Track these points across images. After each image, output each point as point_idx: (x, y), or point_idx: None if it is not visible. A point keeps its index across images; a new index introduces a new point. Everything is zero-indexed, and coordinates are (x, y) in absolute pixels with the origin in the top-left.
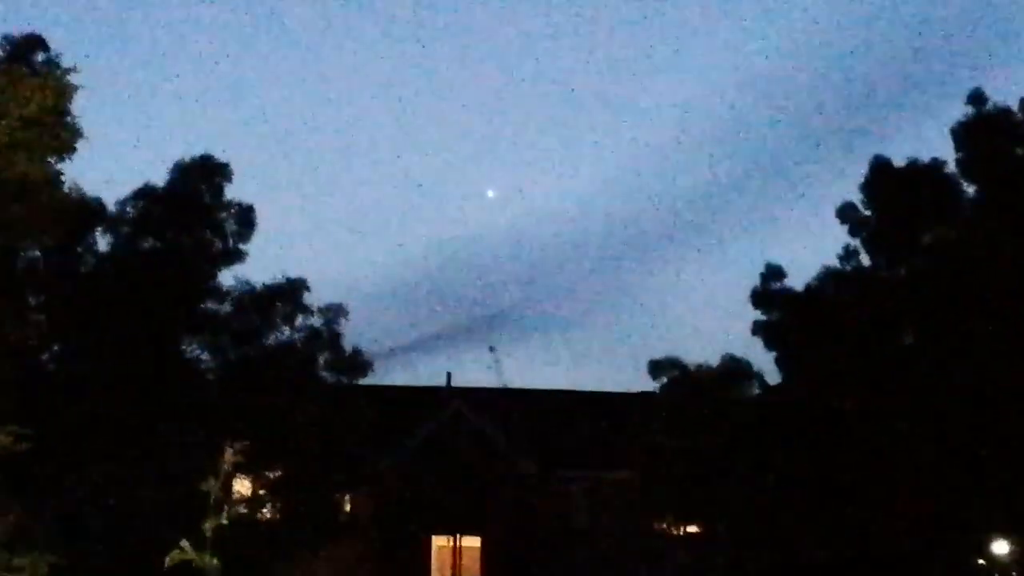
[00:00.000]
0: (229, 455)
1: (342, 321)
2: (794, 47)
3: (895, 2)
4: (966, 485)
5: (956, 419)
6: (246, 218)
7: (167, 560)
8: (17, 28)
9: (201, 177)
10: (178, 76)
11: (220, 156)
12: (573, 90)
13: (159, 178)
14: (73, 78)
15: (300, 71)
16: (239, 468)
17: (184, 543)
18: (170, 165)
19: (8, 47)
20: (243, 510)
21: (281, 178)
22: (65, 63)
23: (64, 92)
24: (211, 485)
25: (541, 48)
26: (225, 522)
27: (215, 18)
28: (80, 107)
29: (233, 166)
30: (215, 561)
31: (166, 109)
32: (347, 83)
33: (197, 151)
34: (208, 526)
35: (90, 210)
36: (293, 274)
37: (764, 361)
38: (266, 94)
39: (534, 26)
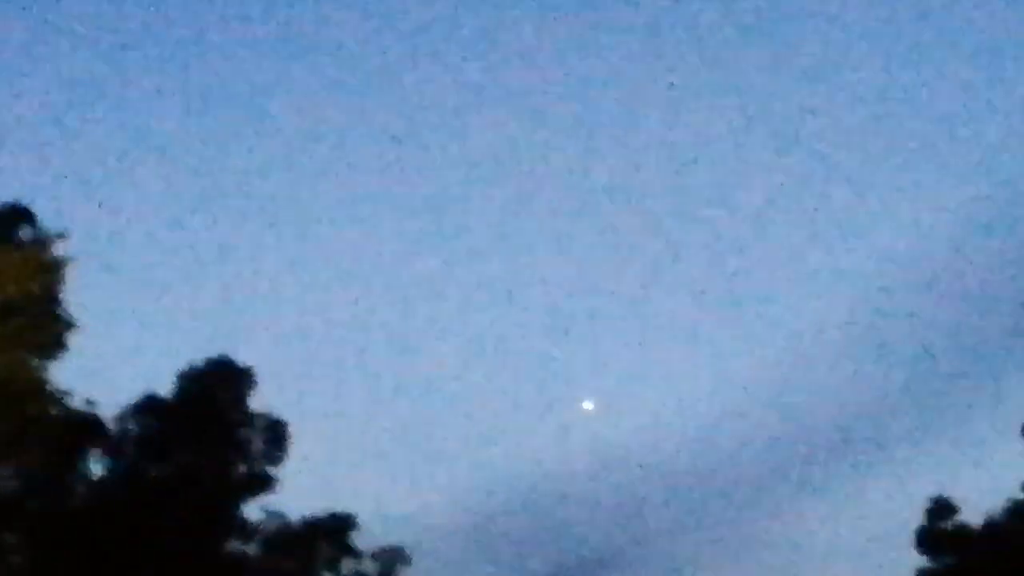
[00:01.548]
0: None
1: (402, 568)
2: (971, 214)
3: None
4: None
5: None
6: (277, 435)
7: None
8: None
9: (218, 385)
10: (182, 262)
11: (240, 359)
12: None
13: (164, 386)
14: (63, 250)
15: (335, 261)
16: None
17: None
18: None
19: None
20: None
21: (318, 387)
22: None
23: (52, 268)
24: None
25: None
26: None
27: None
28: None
29: (256, 369)
30: None
31: (170, 302)
32: (392, 275)
33: (210, 353)
34: None
35: (83, 426)
36: (338, 508)
37: None
38: (291, 287)
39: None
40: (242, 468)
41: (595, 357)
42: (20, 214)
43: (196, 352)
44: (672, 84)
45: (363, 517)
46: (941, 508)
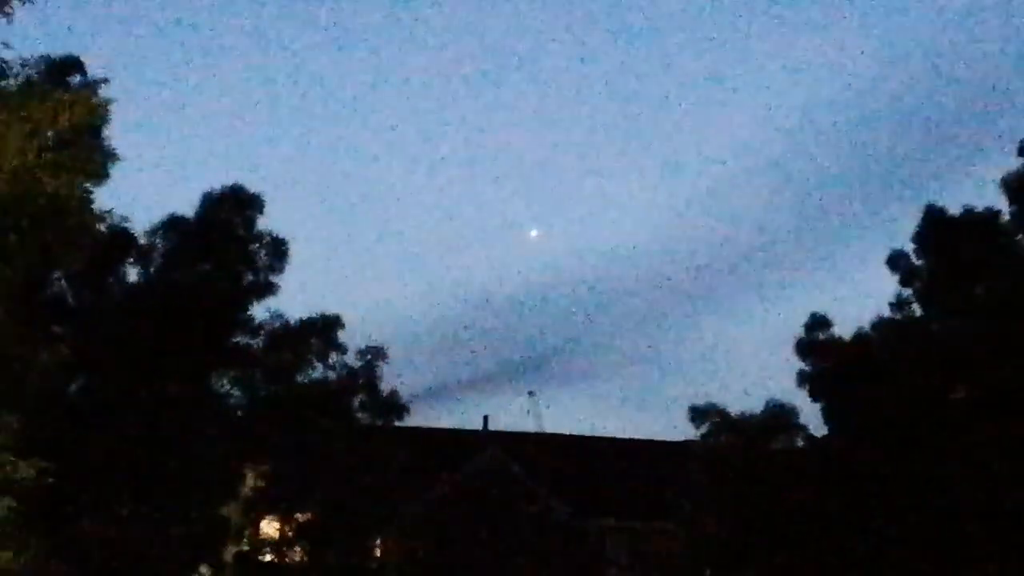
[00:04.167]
0: (249, 479)
1: (381, 364)
2: (846, 97)
3: (949, 56)
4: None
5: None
6: (279, 251)
7: None
8: (55, 51)
9: (232, 208)
10: (205, 98)
11: (251, 185)
12: (626, 134)
13: (186, 205)
14: (107, 92)
15: (337, 99)
16: (264, 505)
17: (203, 569)
18: (198, 193)
19: (44, 69)
20: (270, 555)
21: (315, 210)
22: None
23: (96, 110)
24: (231, 509)
25: (594, 89)
26: (247, 547)
27: (246, 41)
28: (112, 129)
29: (264, 195)
30: None
31: (192, 132)
32: (387, 113)
33: (225, 178)
34: (229, 552)
35: (120, 239)
36: (328, 310)
37: (809, 413)
38: (298, 121)
39: (591, 70)
40: (250, 277)
41: (541, 191)
42: (71, 63)
43: (214, 177)
44: None
45: (349, 318)
46: (818, 322)
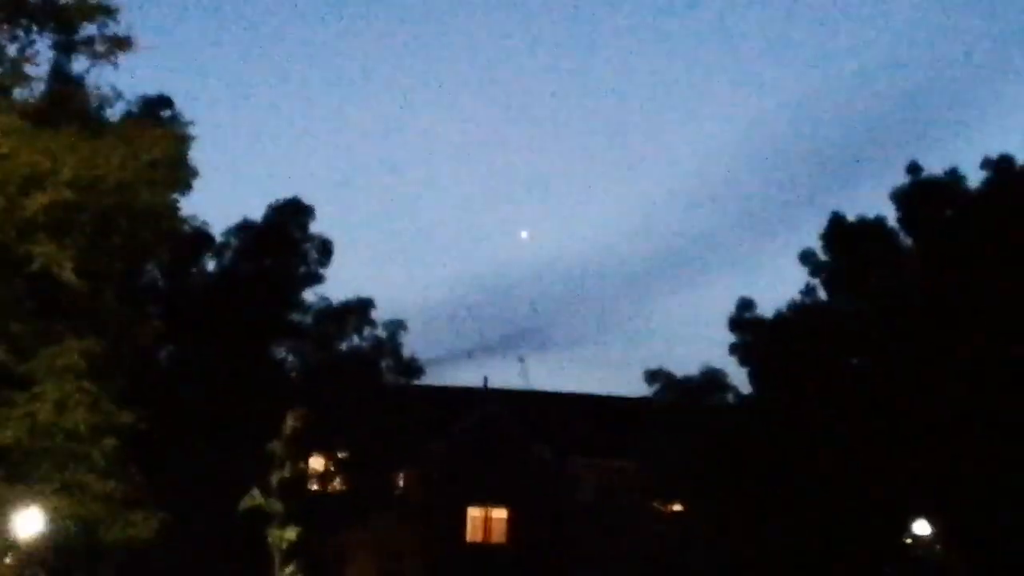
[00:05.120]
0: (290, 420)
1: (402, 334)
2: (776, 119)
3: (853, 84)
4: (899, 474)
5: (888, 420)
6: (325, 249)
7: (241, 504)
8: (147, 89)
9: (290, 215)
10: (272, 118)
11: (305, 194)
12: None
13: (255, 210)
14: (191, 130)
15: (365, 114)
16: (307, 441)
17: (255, 490)
18: (266, 198)
19: (143, 104)
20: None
21: (360, 211)
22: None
23: (183, 142)
24: (275, 445)
25: (564, 110)
26: (287, 475)
27: (305, 70)
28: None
29: (313, 198)
30: (279, 506)
31: (261, 146)
32: (415, 130)
33: (287, 185)
34: (274, 478)
35: (201, 238)
36: (362, 293)
37: (739, 378)
38: (347, 139)
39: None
40: (302, 269)
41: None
42: (163, 101)
43: (276, 188)
44: None
45: (380, 297)
46: (746, 304)
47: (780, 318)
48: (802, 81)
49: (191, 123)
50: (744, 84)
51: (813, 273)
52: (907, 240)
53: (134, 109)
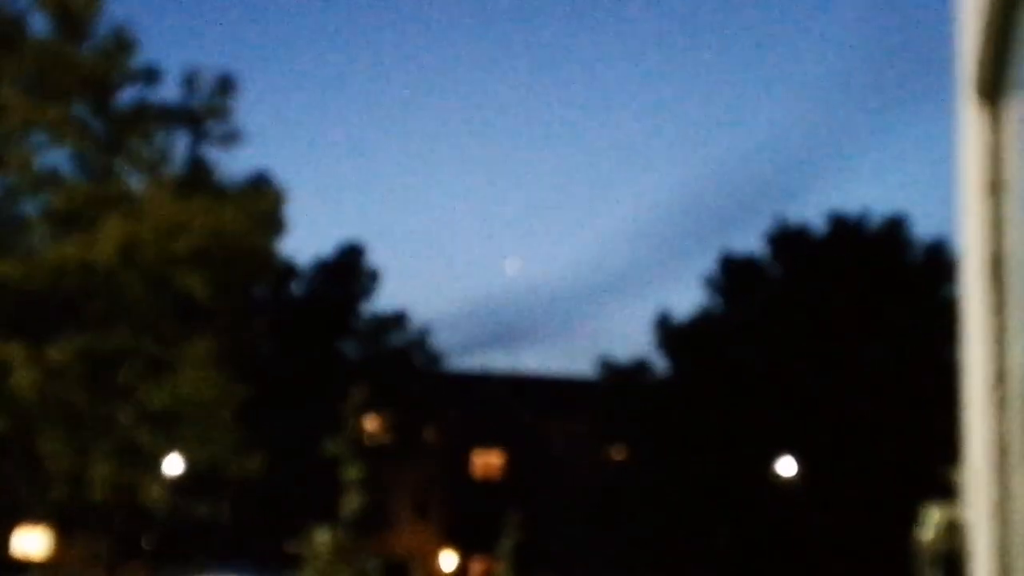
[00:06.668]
0: (355, 395)
1: (429, 334)
2: (688, 177)
3: (730, 139)
4: (769, 424)
5: (762, 388)
6: (374, 278)
7: (324, 450)
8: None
9: (350, 253)
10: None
11: (365, 236)
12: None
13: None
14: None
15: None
16: (364, 408)
17: (330, 442)
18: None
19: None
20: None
21: (399, 227)
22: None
23: (280, 202)
24: (344, 410)
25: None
26: (352, 432)
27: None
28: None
29: (363, 235)
30: (347, 452)
31: (323, 185)
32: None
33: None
34: (344, 434)
35: (286, 271)
36: (400, 304)
37: (661, 365)
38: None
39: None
40: (358, 289)
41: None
42: (263, 175)
43: (343, 228)
44: None
45: (411, 307)
46: (665, 316)
47: (690, 322)
48: (699, 155)
49: (286, 191)
50: (674, 146)
51: (714, 291)
52: (776, 269)
53: (240, 179)
